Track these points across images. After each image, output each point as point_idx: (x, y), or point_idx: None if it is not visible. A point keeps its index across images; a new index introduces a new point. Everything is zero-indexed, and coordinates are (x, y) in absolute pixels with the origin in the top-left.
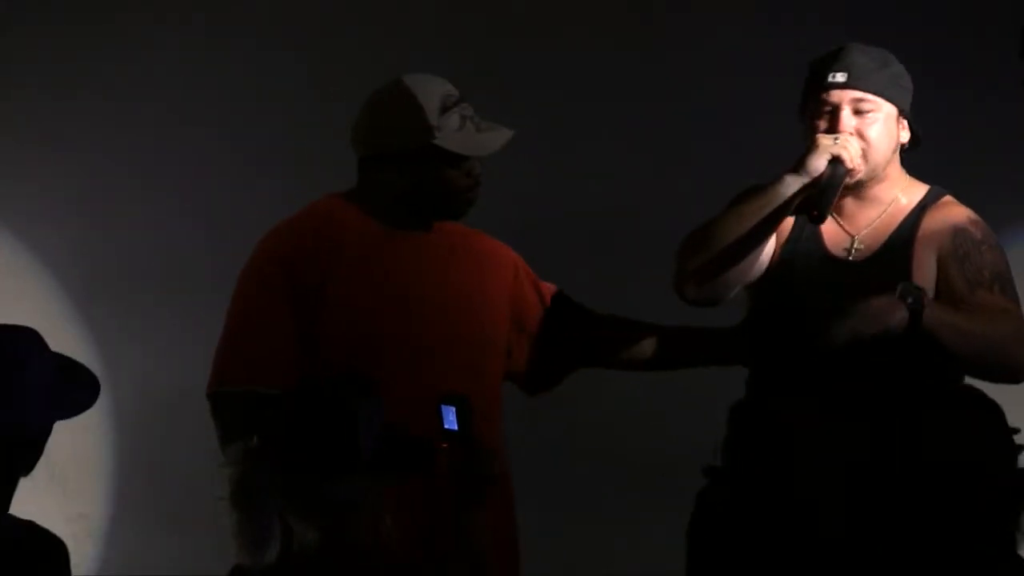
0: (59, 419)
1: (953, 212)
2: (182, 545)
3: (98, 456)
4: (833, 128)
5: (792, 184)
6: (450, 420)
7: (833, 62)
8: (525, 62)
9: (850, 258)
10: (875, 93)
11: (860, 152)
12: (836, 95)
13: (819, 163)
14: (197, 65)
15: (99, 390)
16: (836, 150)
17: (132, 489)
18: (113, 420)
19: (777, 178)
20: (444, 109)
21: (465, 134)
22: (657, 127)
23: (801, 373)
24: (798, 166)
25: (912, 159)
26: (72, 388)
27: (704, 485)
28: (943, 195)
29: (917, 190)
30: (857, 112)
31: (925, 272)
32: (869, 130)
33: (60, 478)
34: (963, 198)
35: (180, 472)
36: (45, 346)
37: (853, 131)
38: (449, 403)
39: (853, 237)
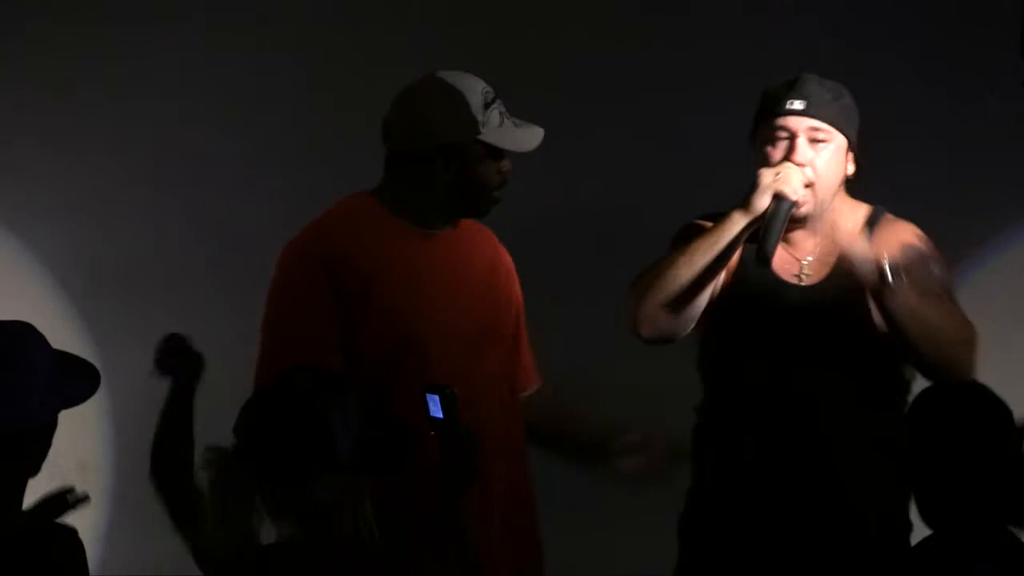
0: (61, 409)
1: (899, 229)
2: (181, 546)
3: (97, 456)
4: (788, 156)
5: (739, 222)
6: (435, 408)
7: (790, 90)
8: (523, 60)
9: (801, 283)
10: (830, 123)
11: (803, 181)
12: (793, 123)
13: (763, 201)
14: (197, 64)
15: (99, 380)
16: (778, 186)
17: (131, 490)
18: (112, 420)
19: (725, 216)
20: (486, 105)
21: (505, 130)
22: (656, 127)
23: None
24: (744, 204)
25: (912, 158)
26: (72, 379)
27: (693, 484)
28: (884, 214)
29: (860, 211)
30: (812, 141)
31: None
32: (820, 161)
33: (60, 478)
34: (963, 198)
35: None
36: (42, 339)
37: (808, 161)
38: (433, 392)
39: (800, 262)
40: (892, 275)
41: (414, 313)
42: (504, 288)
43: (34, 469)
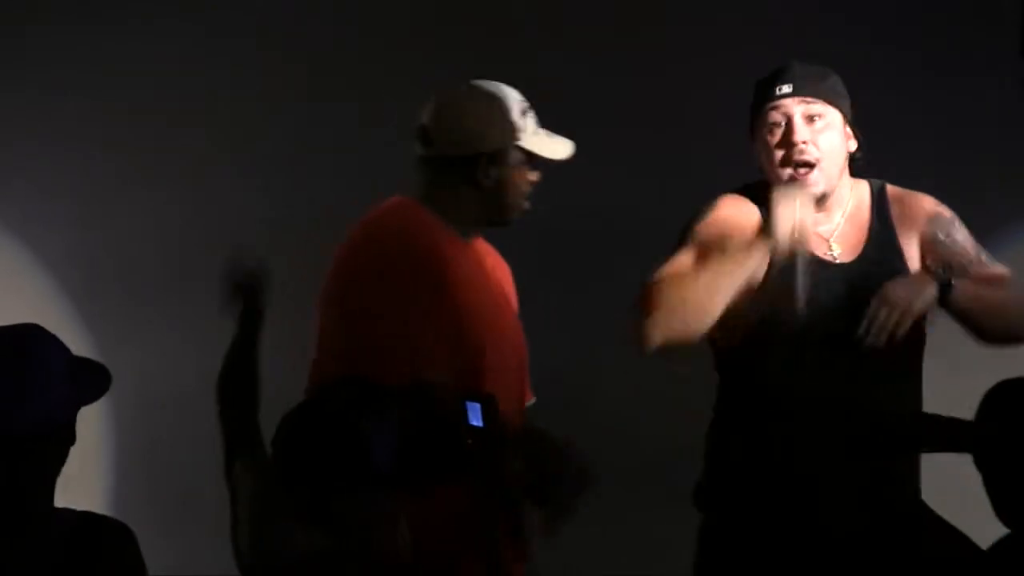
0: (82, 404)
1: (916, 199)
2: (181, 546)
3: (97, 457)
4: (788, 140)
5: (763, 251)
6: (475, 417)
7: (776, 78)
8: (522, 62)
9: (836, 261)
10: (821, 99)
11: (814, 221)
12: (785, 106)
13: (786, 244)
14: (194, 65)
15: (110, 378)
16: (798, 246)
17: (131, 490)
18: (112, 421)
19: (745, 248)
20: (522, 113)
21: (541, 138)
22: (654, 125)
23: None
24: (769, 237)
25: (912, 157)
26: (85, 378)
27: (705, 522)
28: (884, 184)
29: (862, 186)
30: (808, 120)
31: (913, 261)
32: (821, 139)
33: (61, 479)
34: (964, 196)
35: (178, 473)
36: (56, 339)
37: (809, 139)
38: (474, 400)
39: (828, 240)
40: (942, 283)
41: (475, 321)
42: (513, 296)
43: (58, 466)
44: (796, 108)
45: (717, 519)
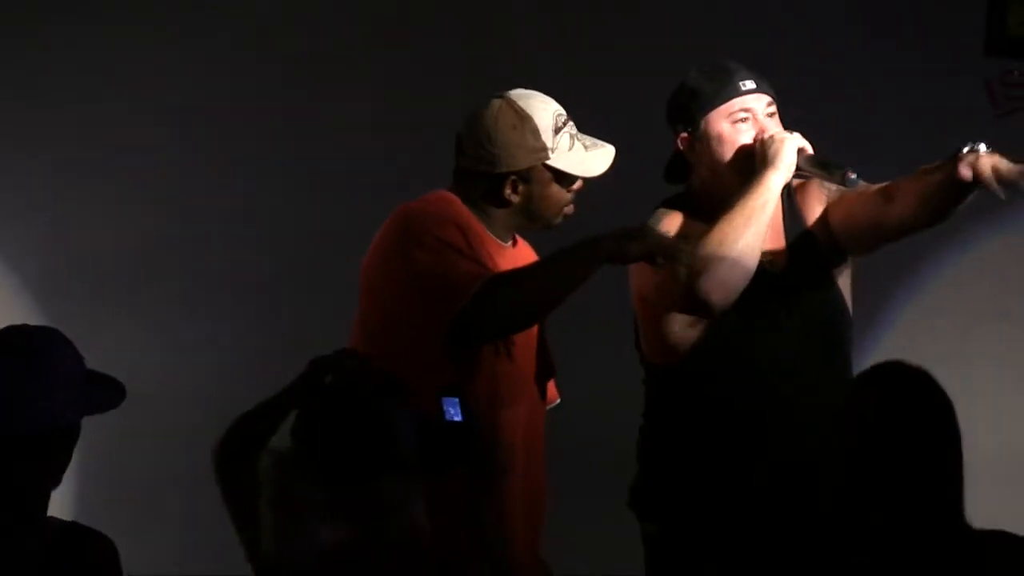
0: (89, 414)
1: (802, 184)
2: (149, 546)
3: None
4: (757, 132)
5: (779, 181)
6: (453, 412)
7: (734, 72)
8: (518, 60)
9: (769, 269)
10: (774, 98)
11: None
12: (752, 101)
13: (792, 156)
14: (157, 62)
15: (124, 392)
16: (798, 141)
17: (98, 489)
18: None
19: (756, 181)
20: (557, 130)
21: (576, 154)
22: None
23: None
24: (772, 165)
25: (874, 157)
26: (99, 388)
27: (648, 532)
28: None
29: None
30: (767, 116)
31: (833, 235)
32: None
33: None
34: None
35: (145, 473)
36: (70, 344)
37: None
38: (451, 395)
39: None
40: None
41: None
42: None
43: (58, 473)
44: (760, 104)
45: (661, 529)
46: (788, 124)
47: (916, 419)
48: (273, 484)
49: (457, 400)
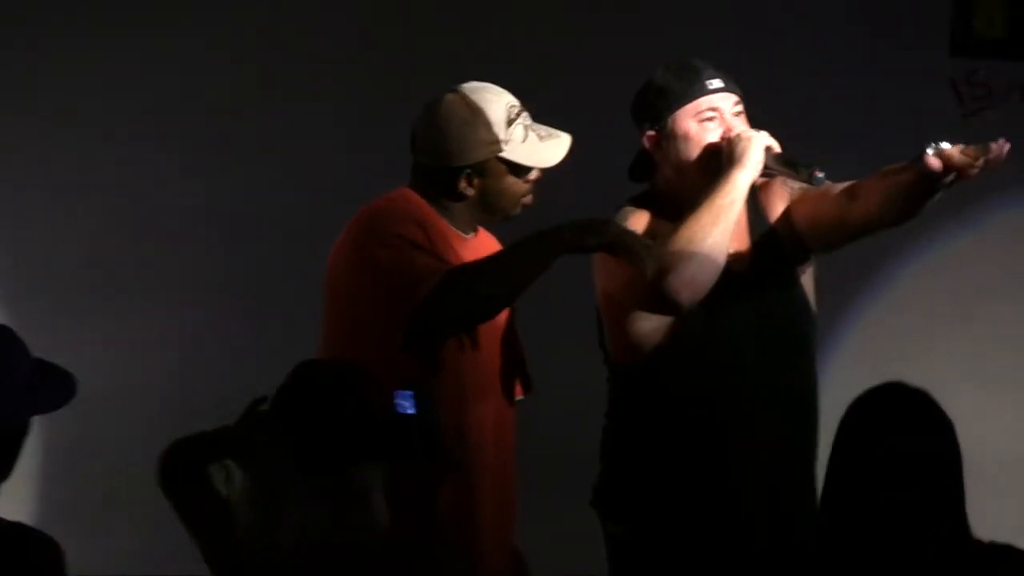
0: (37, 414)
1: (765, 182)
2: (106, 547)
3: (21, 458)
4: (724, 131)
5: (746, 180)
6: (406, 405)
7: (702, 70)
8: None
9: (734, 268)
10: (741, 97)
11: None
12: (719, 100)
13: (760, 155)
14: (120, 65)
15: (76, 388)
16: (765, 140)
17: (55, 490)
18: (35, 420)
19: (723, 179)
20: (509, 122)
21: (530, 145)
22: None
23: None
24: (740, 163)
25: (840, 157)
26: (48, 385)
27: (610, 532)
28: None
29: None
30: (734, 115)
31: (796, 233)
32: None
33: None
34: None
35: (102, 474)
36: (21, 343)
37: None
38: (406, 388)
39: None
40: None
41: None
42: None
43: (5, 470)
44: (728, 103)
45: (624, 529)
46: (755, 123)
47: (917, 439)
48: (251, 473)
49: (411, 393)
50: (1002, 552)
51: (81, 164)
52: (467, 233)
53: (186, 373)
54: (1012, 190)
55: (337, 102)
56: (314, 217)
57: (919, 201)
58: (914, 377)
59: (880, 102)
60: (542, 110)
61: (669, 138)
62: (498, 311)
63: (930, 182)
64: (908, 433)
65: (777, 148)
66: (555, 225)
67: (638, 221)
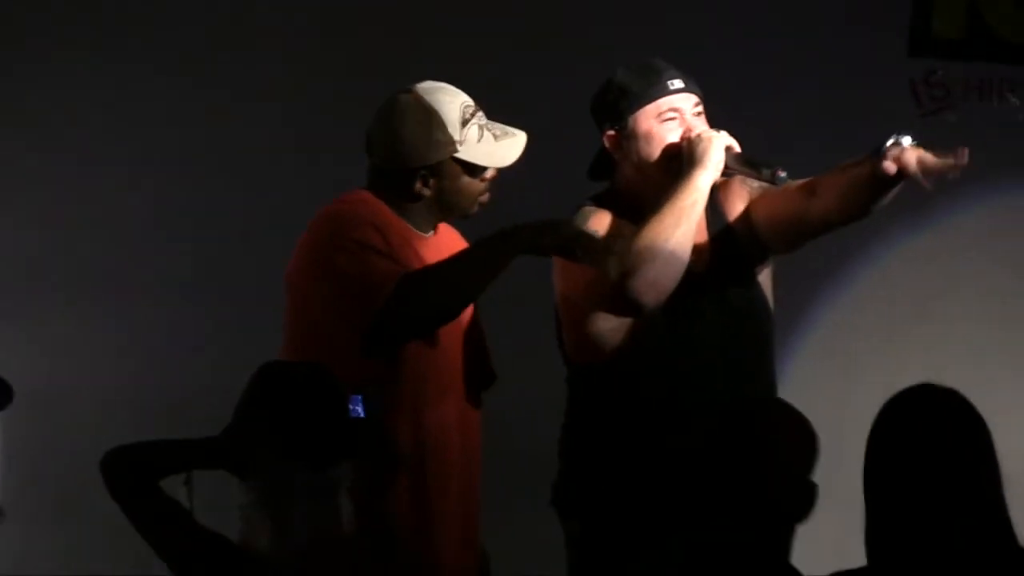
0: None
1: (724, 181)
2: (65, 544)
3: None
4: (684, 131)
5: (707, 181)
6: (357, 409)
7: (663, 70)
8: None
9: (696, 270)
10: (701, 98)
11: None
12: (680, 100)
13: (720, 155)
14: (92, 66)
15: (12, 396)
16: (726, 140)
17: (13, 487)
18: None
19: (684, 180)
20: (464, 122)
21: (485, 145)
22: None
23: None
24: (700, 164)
25: (798, 158)
26: None
27: (570, 531)
28: None
29: None
30: (695, 115)
31: (756, 232)
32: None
33: None
34: None
35: (62, 471)
36: None
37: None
38: (356, 392)
39: None
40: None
41: None
42: None
43: None
44: (688, 103)
45: (582, 528)
46: (715, 123)
47: (952, 440)
48: (265, 481)
49: (360, 397)
50: None
51: (38, 164)
52: (427, 232)
53: (145, 371)
54: (969, 191)
55: (293, 99)
56: (275, 219)
57: (874, 198)
58: (875, 376)
59: (839, 102)
60: (501, 109)
61: (630, 138)
62: (456, 314)
63: (884, 181)
64: (947, 435)
65: (737, 148)
66: (513, 225)
67: (599, 220)
